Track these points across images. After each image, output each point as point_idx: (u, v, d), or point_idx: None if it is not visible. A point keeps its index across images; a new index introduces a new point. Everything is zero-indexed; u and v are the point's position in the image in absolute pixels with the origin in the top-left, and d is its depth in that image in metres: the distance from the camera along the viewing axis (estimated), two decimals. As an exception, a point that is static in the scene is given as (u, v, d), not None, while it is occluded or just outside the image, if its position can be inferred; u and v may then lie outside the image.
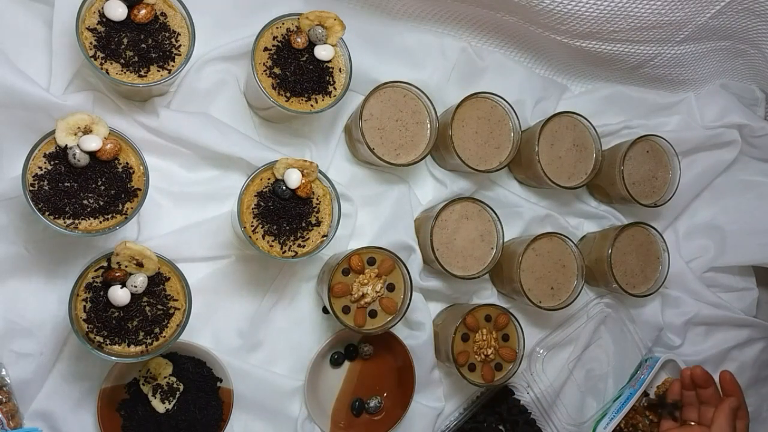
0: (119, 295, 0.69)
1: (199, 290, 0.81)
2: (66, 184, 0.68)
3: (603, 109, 1.11)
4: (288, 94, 0.80)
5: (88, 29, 0.72)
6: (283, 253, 0.77)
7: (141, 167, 0.72)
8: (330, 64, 0.82)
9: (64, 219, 0.68)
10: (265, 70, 0.79)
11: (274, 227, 0.77)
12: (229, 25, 0.87)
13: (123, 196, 0.71)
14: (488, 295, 1.02)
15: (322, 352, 0.89)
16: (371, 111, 0.88)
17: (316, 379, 0.90)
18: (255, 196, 0.77)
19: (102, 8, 0.72)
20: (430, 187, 1.00)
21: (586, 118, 1.00)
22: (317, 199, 0.80)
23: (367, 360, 0.94)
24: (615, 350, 1.09)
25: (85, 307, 0.69)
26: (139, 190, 0.72)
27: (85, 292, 0.70)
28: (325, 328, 0.93)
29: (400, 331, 0.96)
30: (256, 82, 0.78)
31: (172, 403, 0.80)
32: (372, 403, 0.92)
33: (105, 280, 0.70)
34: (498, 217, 0.94)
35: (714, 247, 1.16)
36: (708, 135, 1.12)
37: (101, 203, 0.70)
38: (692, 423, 0.99)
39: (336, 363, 0.92)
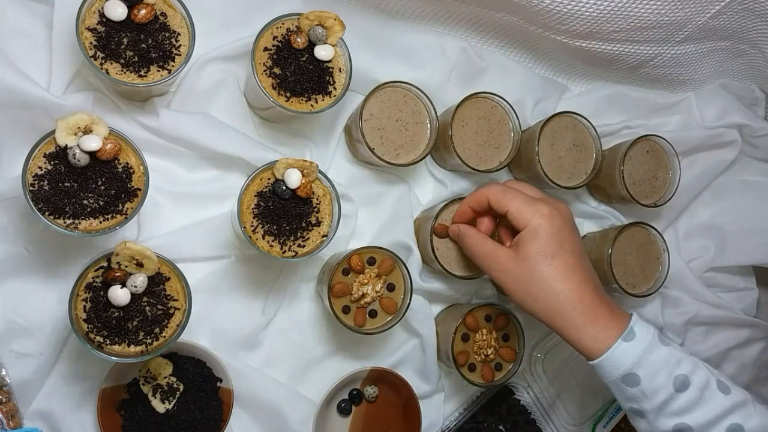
0: (119, 295, 0.69)
1: (199, 290, 0.81)
2: (66, 184, 0.68)
3: (603, 109, 1.11)
4: (288, 94, 0.80)
5: (88, 29, 0.72)
6: (283, 253, 0.77)
7: (141, 167, 0.72)
8: (330, 64, 0.82)
9: (64, 219, 0.68)
10: (265, 70, 0.79)
11: (274, 227, 0.77)
12: (229, 25, 0.87)
13: (123, 196, 0.71)
14: (488, 295, 1.02)
15: (326, 399, 0.89)
16: (371, 111, 0.88)
17: (322, 429, 0.90)
18: (255, 196, 0.77)
19: (102, 8, 0.72)
20: (430, 187, 1.00)
21: (586, 118, 1.00)
22: (317, 199, 0.80)
23: (372, 402, 0.94)
24: (615, 350, 1.09)
25: (85, 307, 0.69)
26: (139, 190, 0.72)
27: (85, 292, 0.70)
28: (325, 330, 0.93)
29: (400, 335, 0.96)
30: (256, 82, 0.78)
31: (172, 403, 0.80)
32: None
33: (105, 280, 0.70)
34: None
35: (714, 247, 1.16)
36: (708, 135, 1.12)
37: (101, 203, 0.70)
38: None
39: (343, 411, 0.92)
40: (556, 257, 0.77)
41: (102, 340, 0.69)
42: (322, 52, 0.81)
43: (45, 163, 0.68)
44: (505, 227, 0.88)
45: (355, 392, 0.93)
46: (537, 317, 0.79)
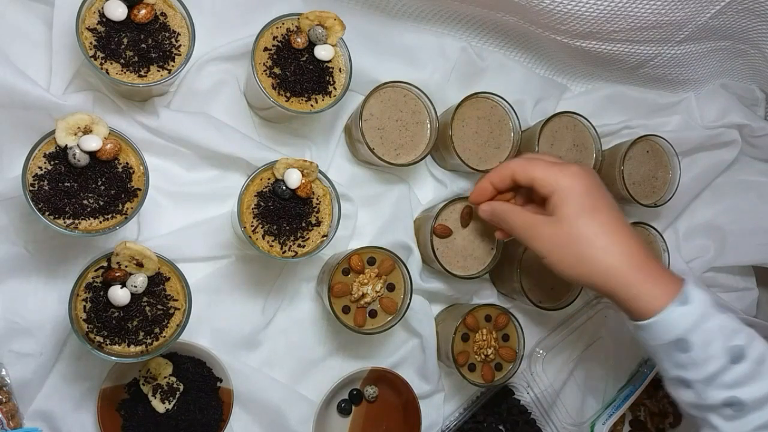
0: (119, 295, 0.69)
1: (199, 290, 0.81)
2: (66, 184, 0.68)
3: (603, 109, 1.11)
4: (288, 94, 0.80)
5: (88, 29, 0.72)
6: (283, 253, 0.77)
7: (141, 167, 0.72)
8: (330, 64, 0.82)
9: (64, 219, 0.68)
10: (265, 70, 0.80)
11: (274, 227, 0.77)
12: (229, 25, 0.87)
13: (123, 196, 0.71)
14: (488, 295, 1.02)
15: (326, 399, 0.89)
16: (371, 111, 0.88)
17: (322, 429, 0.90)
18: (255, 196, 0.77)
19: (102, 8, 0.72)
20: (430, 187, 1.00)
21: (586, 118, 1.00)
22: (317, 199, 0.80)
23: (372, 402, 0.94)
24: (615, 350, 1.09)
25: (85, 307, 0.69)
26: (139, 190, 0.72)
27: (85, 292, 0.70)
28: (325, 330, 0.93)
29: (400, 335, 0.96)
30: (256, 82, 0.78)
31: (172, 403, 0.80)
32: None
33: (105, 280, 0.70)
34: (498, 217, 0.94)
35: (714, 247, 1.16)
36: (708, 135, 1.12)
37: (101, 203, 0.70)
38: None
39: (343, 411, 0.92)
40: (596, 212, 0.72)
41: (102, 340, 0.69)
42: (322, 52, 0.81)
43: (45, 163, 0.68)
44: (532, 203, 0.83)
45: (355, 392, 0.93)
46: (586, 282, 0.73)
